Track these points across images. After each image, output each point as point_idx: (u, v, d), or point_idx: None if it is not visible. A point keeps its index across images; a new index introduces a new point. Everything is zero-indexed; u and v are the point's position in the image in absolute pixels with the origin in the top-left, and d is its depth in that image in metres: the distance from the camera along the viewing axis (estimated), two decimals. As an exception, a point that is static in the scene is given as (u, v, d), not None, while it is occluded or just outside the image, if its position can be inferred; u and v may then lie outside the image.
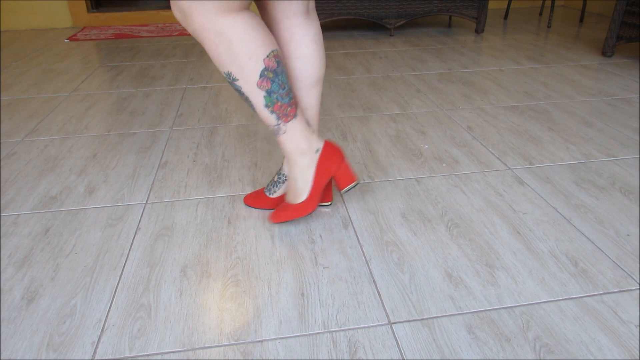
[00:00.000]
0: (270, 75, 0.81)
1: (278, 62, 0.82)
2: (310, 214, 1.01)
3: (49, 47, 2.70)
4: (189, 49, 2.59)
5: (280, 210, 1.00)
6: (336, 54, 2.41)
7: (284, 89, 0.84)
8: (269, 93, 0.83)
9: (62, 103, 1.79)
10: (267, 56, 0.80)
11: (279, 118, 0.87)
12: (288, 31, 0.90)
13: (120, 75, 2.14)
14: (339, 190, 1.01)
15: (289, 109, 0.87)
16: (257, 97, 0.83)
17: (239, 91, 0.84)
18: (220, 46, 0.77)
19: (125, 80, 2.07)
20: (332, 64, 2.24)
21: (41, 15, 3.21)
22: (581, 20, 3.13)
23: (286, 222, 1.02)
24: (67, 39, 2.87)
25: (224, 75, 0.82)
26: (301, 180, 0.96)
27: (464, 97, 1.75)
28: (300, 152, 0.93)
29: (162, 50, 2.57)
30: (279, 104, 0.85)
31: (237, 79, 0.81)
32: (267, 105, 0.85)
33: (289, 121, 0.88)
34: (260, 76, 0.81)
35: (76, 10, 3.24)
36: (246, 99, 0.85)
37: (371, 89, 1.87)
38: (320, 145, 0.96)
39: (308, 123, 0.98)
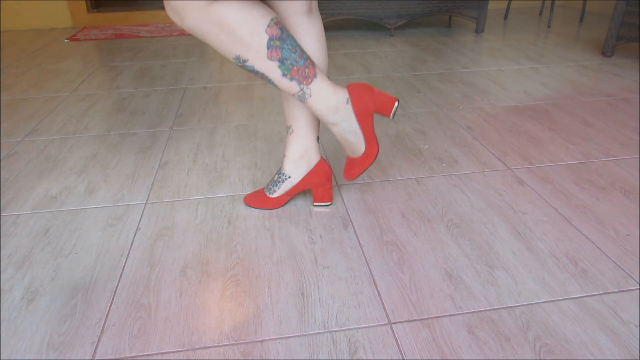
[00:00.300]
0: (278, 43, 0.80)
1: (281, 29, 0.81)
2: (376, 157, 1.01)
3: (49, 47, 2.70)
4: (189, 49, 2.59)
5: (349, 167, 1.01)
6: (336, 54, 2.41)
7: (295, 52, 0.83)
8: (281, 61, 0.82)
9: (62, 103, 1.79)
10: (268, 26, 0.79)
11: (300, 83, 0.86)
12: (290, 30, 0.90)
13: (120, 75, 2.14)
14: (387, 117, 0.97)
15: (307, 70, 0.85)
16: (272, 70, 0.82)
17: (252, 71, 0.83)
18: (221, 34, 0.77)
19: (125, 80, 2.07)
20: (332, 64, 2.24)
21: (41, 15, 3.21)
22: (581, 20, 3.13)
23: (287, 222, 1.02)
24: (67, 39, 2.87)
25: (234, 60, 0.81)
26: (350, 134, 0.95)
27: (464, 97, 1.75)
28: (333, 110, 0.91)
29: (162, 50, 2.57)
30: (296, 68, 0.84)
31: (247, 59, 0.81)
32: (284, 74, 0.83)
33: (310, 83, 0.86)
34: (268, 47, 0.80)
35: (76, 10, 3.24)
36: (263, 76, 0.84)
37: (371, 89, 1.87)
38: (347, 94, 0.93)
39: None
